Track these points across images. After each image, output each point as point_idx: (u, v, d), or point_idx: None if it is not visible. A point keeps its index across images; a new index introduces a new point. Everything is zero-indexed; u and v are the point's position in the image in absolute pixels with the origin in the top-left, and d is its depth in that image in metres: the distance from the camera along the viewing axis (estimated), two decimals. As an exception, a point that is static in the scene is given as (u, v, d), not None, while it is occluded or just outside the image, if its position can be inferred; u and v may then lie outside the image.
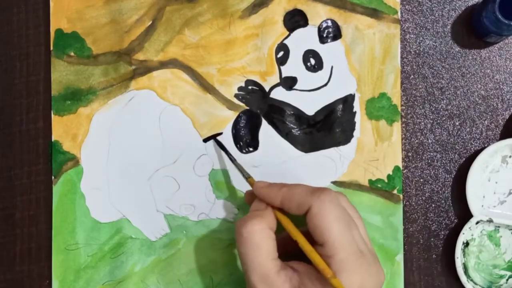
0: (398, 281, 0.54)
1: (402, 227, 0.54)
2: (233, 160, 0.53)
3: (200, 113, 0.55)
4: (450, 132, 0.55)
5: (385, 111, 0.54)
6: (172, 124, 0.55)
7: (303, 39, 0.55)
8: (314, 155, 0.55)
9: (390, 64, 0.55)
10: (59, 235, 0.54)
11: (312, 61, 0.55)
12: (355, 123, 0.55)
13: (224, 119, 0.54)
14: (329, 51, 0.55)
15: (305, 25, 0.55)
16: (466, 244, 0.54)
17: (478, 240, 0.54)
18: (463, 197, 0.53)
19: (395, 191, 0.54)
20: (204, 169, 0.54)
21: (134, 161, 0.54)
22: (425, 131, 0.55)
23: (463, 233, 0.53)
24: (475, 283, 0.53)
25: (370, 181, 0.54)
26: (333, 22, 0.55)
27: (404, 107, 0.55)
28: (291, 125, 0.55)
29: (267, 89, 0.55)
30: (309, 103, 0.55)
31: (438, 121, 0.55)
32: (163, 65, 0.55)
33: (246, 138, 0.54)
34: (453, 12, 0.55)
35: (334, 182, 0.54)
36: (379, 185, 0.54)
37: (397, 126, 0.54)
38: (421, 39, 0.55)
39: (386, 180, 0.54)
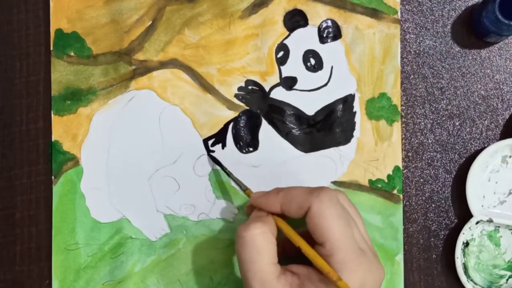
0: (398, 281, 0.54)
1: (402, 227, 0.54)
2: (229, 174, 0.53)
3: (200, 113, 0.55)
4: (450, 132, 0.55)
5: (385, 111, 0.54)
6: (172, 124, 0.55)
7: (303, 39, 0.55)
8: (314, 155, 0.55)
9: (390, 64, 0.55)
10: (59, 235, 0.54)
11: (312, 61, 0.55)
12: (355, 123, 0.55)
13: (224, 119, 0.54)
14: (329, 51, 0.55)
15: (305, 25, 0.55)
16: (466, 244, 0.54)
17: (478, 240, 0.54)
18: (463, 197, 0.53)
19: (395, 191, 0.54)
20: (204, 169, 0.54)
21: (134, 161, 0.54)
22: (425, 131, 0.55)
23: (463, 233, 0.53)
24: (475, 283, 0.53)
25: (370, 181, 0.54)
26: (333, 22, 0.55)
27: (404, 107, 0.55)
28: (291, 125, 0.55)
29: (267, 89, 0.55)
30: (309, 103, 0.55)
31: (438, 121, 0.55)
32: (163, 65, 0.55)
33: (246, 138, 0.55)
34: (453, 12, 0.55)
35: (334, 182, 0.54)
36: (379, 185, 0.54)
37: (397, 126, 0.54)
38: (421, 39, 0.55)
39: (386, 180, 0.54)
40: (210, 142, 0.54)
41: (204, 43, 0.55)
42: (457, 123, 0.55)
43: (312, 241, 0.44)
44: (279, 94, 0.55)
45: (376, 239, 0.54)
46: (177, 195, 0.54)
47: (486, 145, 0.55)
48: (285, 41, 0.55)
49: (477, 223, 0.53)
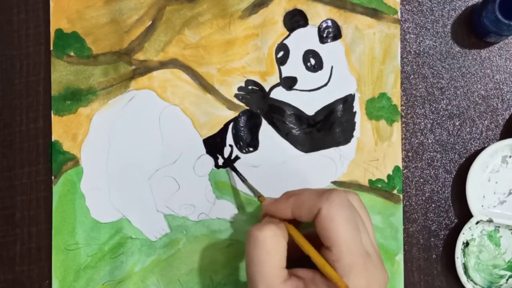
0: (398, 281, 0.54)
1: (402, 227, 0.54)
2: (243, 180, 0.53)
3: (200, 113, 0.55)
4: (450, 132, 0.55)
5: (385, 111, 0.54)
6: (172, 124, 0.55)
7: (303, 39, 0.55)
8: (314, 155, 0.55)
9: (390, 64, 0.55)
10: (59, 235, 0.54)
11: (312, 61, 0.55)
12: (355, 123, 0.55)
13: (224, 119, 0.54)
14: (329, 51, 0.55)
15: (305, 25, 0.55)
16: (466, 244, 0.54)
17: (478, 240, 0.54)
18: (463, 197, 0.53)
19: (395, 191, 0.54)
20: (204, 169, 0.54)
21: (134, 161, 0.54)
22: (425, 131, 0.55)
23: (463, 233, 0.53)
24: (475, 283, 0.53)
25: (370, 181, 0.54)
26: (333, 22, 0.55)
27: (404, 107, 0.55)
28: (291, 125, 0.55)
29: (267, 89, 0.55)
30: (309, 103, 0.55)
31: (438, 121, 0.55)
32: (163, 65, 0.55)
33: (246, 138, 0.55)
34: (453, 12, 0.55)
35: (334, 182, 0.54)
36: (379, 185, 0.54)
37: (397, 126, 0.54)
38: (421, 39, 0.55)
39: (386, 180, 0.54)
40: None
41: (204, 43, 0.55)
42: (457, 123, 0.55)
43: (319, 243, 0.44)
44: (279, 94, 0.55)
45: (376, 239, 0.53)
46: (177, 195, 0.54)
47: (486, 145, 0.55)
48: (285, 41, 0.55)
49: (477, 223, 0.53)
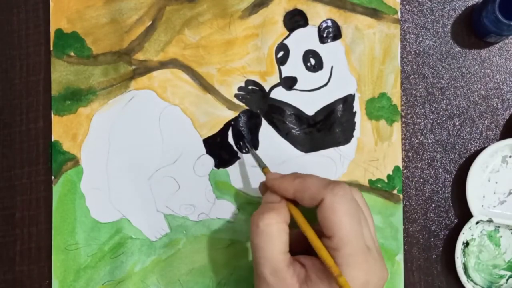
0: (398, 281, 0.54)
1: (402, 227, 0.54)
2: (250, 148, 0.53)
3: (200, 113, 0.55)
4: (450, 132, 0.55)
5: (385, 111, 0.54)
6: (172, 124, 0.55)
7: (303, 39, 0.55)
8: (314, 155, 0.55)
9: (390, 64, 0.55)
10: (59, 235, 0.54)
11: (312, 61, 0.55)
12: (355, 123, 0.55)
13: (224, 119, 0.54)
14: (329, 51, 0.55)
15: (305, 25, 0.55)
16: (466, 244, 0.54)
17: (478, 240, 0.54)
18: (463, 197, 0.53)
19: (395, 191, 0.54)
20: (204, 169, 0.54)
21: (134, 161, 0.54)
22: (425, 131, 0.55)
23: (463, 233, 0.53)
24: (475, 283, 0.53)
25: (370, 181, 0.54)
26: (333, 22, 0.55)
27: (404, 107, 0.55)
28: (291, 125, 0.55)
29: (267, 89, 0.55)
30: (309, 103, 0.55)
31: (438, 121, 0.55)
32: (163, 65, 0.55)
33: (246, 138, 0.54)
34: (453, 12, 0.55)
35: (334, 182, 0.54)
36: (379, 185, 0.54)
37: (397, 126, 0.54)
38: (421, 39, 0.55)
39: (386, 180, 0.54)
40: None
41: (204, 43, 0.55)
42: (457, 123, 0.55)
43: (321, 234, 0.44)
44: (279, 94, 0.55)
45: (376, 238, 0.54)
46: (177, 195, 0.54)
47: (486, 145, 0.55)
48: (285, 41, 0.55)
49: (477, 223, 0.53)
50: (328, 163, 0.54)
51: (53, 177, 0.54)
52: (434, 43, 0.55)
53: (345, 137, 0.55)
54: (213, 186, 0.54)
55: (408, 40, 0.55)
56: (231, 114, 0.55)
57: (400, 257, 0.54)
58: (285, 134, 0.55)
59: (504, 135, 0.55)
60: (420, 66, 0.55)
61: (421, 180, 0.55)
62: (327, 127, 0.55)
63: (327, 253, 0.42)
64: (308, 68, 0.55)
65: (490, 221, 0.53)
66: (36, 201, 0.55)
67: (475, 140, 0.55)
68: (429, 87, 0.55)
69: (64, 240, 0.54)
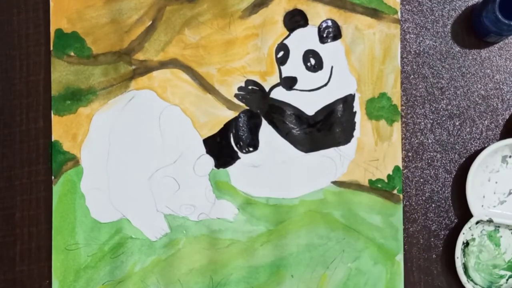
0: (398, 281, 0.54)
1: (402, 227, 0.54)
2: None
3: (200, 113, 0.55)
4: (450, 132, 0.55)
5: (385, 111, 0.54)
6: (172, 124, 0.55)
7: (303, 39, 0.55)
8: (314, 155, 0.54)
9: (390, 64, 0.55)
10: (59, 235, 0.54)
11: (312, 61, 0.55)
12: (355, 123, 0.55)
13: (224, 119, 0.54)
14: (329, 51, 0.55)
15: (305, 25, 0.55)
16: (466, 244, 0.54)
17: (478, 240, 0.54)
18: (463, 197, 0.53)
19: (395, 191, 0.54)
20: (204, 169, 0.54)
21: (134, 161, 0.54)
22: (425, 131, 0.55)
23: (463, 233, 0.53)
24: (475, 283, 0.53)
25: (370, 181, 0.54)
26: (333, 22, 0.55)
27: (404, 107, 0.55)
28: (291, 125, 0.55)
29: (267, 89, 0.55)
30: (309, 103, 0.55)
31: (438, 121, 0.55)
32: (163, 65, 0.55)
33: (246, 138, 0.54)
34: (453, 12, 0.55)
35: (334, 182, 0.54)
36: (379, 185, 0.54)
37: (397, 126, 0.54)
38: (421, 39, 0.55)
39: (386, 180, 0.54)
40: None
41: (204, 43, 0.55)
42: (457, 123, 0.55)
43: None
44: (279, 94, 0.55)
45: (376, 239, 0.54)
46: (177, 195, 0.54)
47: (486, 145, 0.55)
48: (285, 41, 0.55)
49: (477, 223, 0.53)
50: (328, 163, 0.54)
51: (53, 177, 0.54)
52: (434, 43, 0.55)
53: (345, 137, 0.55)
54: (213, 186, 0.54)
55: (408, 40, 0.55)
56: (231, 114, 0.55)
57: (400, 257, 0.54)
58: (285, 134, 0.55)
59: (504, 135, 0.55)
60: (420, 66, 0.55)
61: (421, 180, 0.55)
62: (327, 127, 0.55)
63: None
64: (308, 68, 0.55)
65: (490, 221, 0.53)
66: (36, 201, 0.55)
67: (475, 140, 0.55)
68: (429, 87, 0.55)
69: (64, 240, 0.54)
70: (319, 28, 0.55)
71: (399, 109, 0.54)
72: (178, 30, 0.55)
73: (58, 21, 0.55)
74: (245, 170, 0.54)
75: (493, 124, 0.55)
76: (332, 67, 0.55)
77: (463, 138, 0.55)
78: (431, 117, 0.55)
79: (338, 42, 0.55)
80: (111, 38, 0.55)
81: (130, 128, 0.55)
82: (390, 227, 0.54)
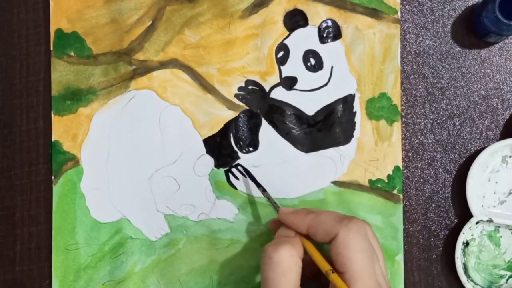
0: (398, 281, 0.54)
1: (402, 227, 0.54)
2: (262, 190, 0.52)
3: (200, 113, 0.55)
4: (450, 132, 0.55)
5: (385, 111, 0.54)
6: (172, 124, 0.55)
7: (303, 39, 0.55)
8: (314, 155, 0.54)
9: (390, 64, 0.55)
10: (59, 235, 0.54)
11: (312, 61, 0.55)
12: (355, 123, 0.55)
13: (224, 119, 0.54)
14: (329, 51, 0.55)
15: (305, 25, 0.55)
16: (466, 244, 0.54)
17: (478, 240, 0.54)
18: (463, 197, 0.53)
19: (395, 191, 0.54)
20: (204, 169, 0.54)
21: (134, 161, 0.54)
22: (425, 131, 0.55)
23: (463, 233, 0.53)
24: (475, 283, 0.53)
25: (370, 181, 0.54)
26: (333, 22, 0.55)
27: (404, 107, 0.55)
28: (291, 125, 0.55)
29: (267, 89, 0.55)
30: (309, 103, 0.55)
31: (438, 121, 0.55)
32: (163, 65, 0.55)
33: (246, 138, 0.55)
34: (453, 12, 0.55)
35: (334, 182, 0.54)
36: (379, 185, 0.54)
37: (397, 126, 0.54)
38: (421, 39, 0.55)
39: (386, 180, 0.54)
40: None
41: (204, 43, 0.55)
42: (457, 123, 0.55)
43: (333, 268, 0.43)
44: (279, 94, 0.55)
45: (376, 239, 0.54)
46: (177, 195, 0.54)
47: (486, 145, 0.55)
48: (285, 41, 0.55)
49: (477, 223, 0.53)
50: (328, 163, 0.54)
51: (53, 177, 0.54)
52: (434, 43, 0.55)
53: (345, 137, 0.55)
54: (213, 186, 0.54)
55: (408, 40, 0.55)
56: (231, 114, 0.55)
57: (400, 257, 0.54)
58: (285, 134, 0.55)
59: (504, 135, 0.55)
60: (420, 66, 0.55)
61: (421, 180, 0.55)
62: (327, 127, 0.55)
63: (344, 285, 0.42)
64: (308, 68, 0.55)
65: (490, 221, 0.53)
66: (36, 201, 0.55)
67: (475, 140, 0.55)
68: (429, 87, 0.55)
69: (64, 240, 0.54)
70: (319, 28, 0.55)
71: (399, 109, 0.54)
72: (178, 30, 0.55)
73: (58, 21, 0.55)
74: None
75: (493, 124, 0.55)
76: (332, 67, 0.55)
77: (463, 138, 0.55)
78: (431, 117, 0.55)
79: (338, 42, 0.55)
80: (111, 38, 0.55)
81: (130, 128, 0.55)
82: (390, 227, 0.54)
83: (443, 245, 0.55)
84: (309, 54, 0.55)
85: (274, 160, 0.54)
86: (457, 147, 0.55)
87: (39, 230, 0.55)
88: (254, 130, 0.55)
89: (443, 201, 0.55)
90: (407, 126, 0.55)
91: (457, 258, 0.53)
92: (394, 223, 0.54)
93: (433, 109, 0.55)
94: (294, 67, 0.55)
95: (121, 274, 0.54)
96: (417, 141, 0.55)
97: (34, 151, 0.55)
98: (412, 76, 0.55)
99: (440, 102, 0.55)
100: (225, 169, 0.54)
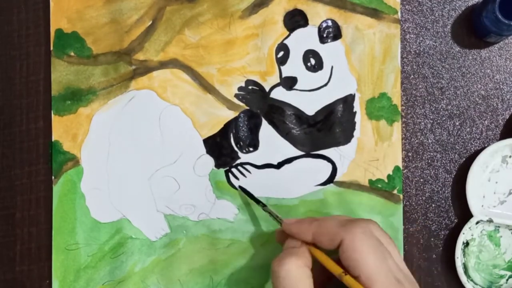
0: (398, 281, 0.54)
1: (402, 227, 0.54)
2: (263, 206, 0.52)
3: (200, 113, 0.55)
4: (450, 132, 0.55)
5: (385, 111, 0.54)
6: (172, 124, 0.55)
7: (303, 39, 0.55)
8: (314, 155, 0.54)
9: (390, 64, 0.55)
10: (59, 235, 0.54)
11: (312, 61, 0.55)
12: (355, 123, 0.55)
13: (224, 119, 0.54)
14: (329, 51, 0.55)
15: (305, 25, 0.55)
16: (466, 244, 0.54)
17: (478, 240, 0.54)
18: (463, 197, 0.53)
19: (395, 191, 0.54)
20: (204, 169, 0.54)
21: (134, 161, 0.54)
22: (425, 131, 0.55)
23: (463, 233, 0.53)
24: (475, 283, 0.53)
25: (370, 181, 0.54)
26: (333, 22, 0.55)
27: (404, 107, 0.55)
28: (291, 125, 0.55)
29: (267, 89, 0.55)
30: (309, 103, 0.55)
31: (438, 121, 0.55)
32: (163, 65, 0.55)
33: (246, 138, 0.55)
34: (453, 12, 0.55)
35: (334, 182, 0.54)
36: (379, 185, 0.54)
37: (397, 126, 0.54)
38: (421, 39, 0.55)
39: (386, 180, 0.54)
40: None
41: (204, 43, 0.55)
42: (457, 123, 0.55)
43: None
44: (279, 94, 0.55)
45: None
46: (177, 195, 0.54)
47: (486, 145, 0.55)
48: (285, 41, 0.55)
49: (477, 223, 0.53)
50: (328, 163, 0.54)
51: (53, 177, 0.54)
52: (434, 43, 0.55)
53: (345, 137, 0.55)
54: (213, 186, 0.54)
55: (408, 40, 0.55)
56: (231, 114, 0.55)
57: (400, 257, 0.54)
58: (285, 134, 0.55)
59: (504, 135, 0.55)
60: (420, 66, 0.55)
61: (421, 180, 0.55)
62: (327, 127, 0.55)
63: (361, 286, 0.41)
64: (308, 68, 0.55)
65: (490, 221, 0.53)
66: (36, 201, 0.55)
67: (475, 140, 0.55)
68: (429, 87, 0.55)
69: (64, 240, 0.54)
70: (319, 28, 0.55)
71: (399, 109, 0.54)
72: (178, 30, 0.55)
73: (58, 21, 0.55)
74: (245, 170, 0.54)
75: (493, 124, 0.55)
76: (332, 67, 0.55)
77: (463, 138, 0.55)
78: (431, 117, 0.55)
79: (338, 42, 0.55)
80: (111, 38, 0.55)
81: (130, 128, 0.55)
82: (390, 227, 0.54)
83: (443, 245, 0.55)
84: (309, 54, 0.55)
85: (274, 160, 0.54)
86: (457, 147, 0.55)
87: (39, 230, 0.55)
88: (254, 130, 0.55)
89: (443, 201, 0.55)
90: (407, 126, 0.55)
91: (457, 258, 0.53)
92: (394, 223, 0.54)
93: (433, 109, 0.55)
94: (294, 67, 0.55)
95: (121, 274, 0.54)
96: (417, 141, 0.55)
97: (34, 151, 0.55)
98: (412, 76, 0.55)
99: (440, 102, 0.55)
100: (225, 169, 0.54)
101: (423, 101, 0.55)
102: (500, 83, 0.55)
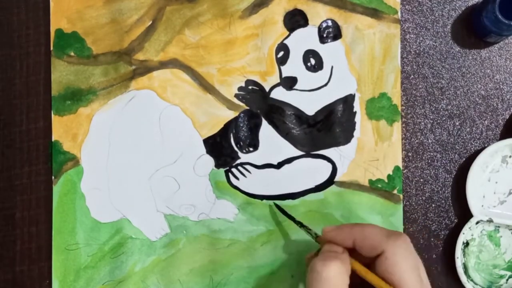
0: (398, 281, 0.54)
1: (402, 227, 0.54)
2: (298, 223, 0.51)
3: (200, 113, 0.55)
4: (450, 132, 0.55)
5: (385, 111, 0.54)
6: (172, 124, 0.55)
7: (303, 39, 0.55)
8: (314, 155, 0.54)
9: (390, 64, 0.55)
10: (59, 235, 0.54)
11: (312, 61, 0.55)
12: (355, 123, 0.55)
13: (224, 119, 0.54)
14: (329, 51, 0.55)
15: (305, 25, 0.55)
16: (466, 244, 0.54)
17: (478, 240, 0.54)
18: (463, 197, 0.53)
19: (395, 191, 0.54)
20: (204, 169, 0.54)
21: (134, 161, 0.54)
22: (425, 131, 0.55)
23: (463, 233, 0.53)
24: (475, 283, 0.53)
25: (370, 181, 0.54)
26: (333, 22, 0.55)
27: (404, 107, 0.55)
28: (291, 125, 0.55)
29: (267, 89, 0.55)
30: (309, 103, 0.55)
31: (438, 121, 0.55)
32: (163, 65, 0.55)
33: (246, 138, 0.55)
34: (453, 12, 0.55)
35: (335, 182, 0.54)
36: (379, 185, 0.54)
37: (397, 126, 0.54)
38: (421, 39, 0.55)
39: (386, 180, 0.54)
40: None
41: (204, 43, 0.55)
42: (457, 123, 0.55)
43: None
44: (279, 94, 0.55)
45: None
46: (177, 195, 0.54)
47: (486, 145, 0.55)
48: (285, 41, 0.55)
49: (477, 223, 0.53)
50: (328, 163, 0.54)
51: (53, 177, 0.54)
52: (434, 43, 0.55)
53: (345, 137, 0.55)
54: (213, 186, 0.54)
55: (408, 40, 0.55)
56: (231, 114, 0.55)
57: (400, 257, 0.54)
58: (285, 134, 0.55)
59: (504, 135, 0.55)
60: (420, 66, 0.55)
61: (421, 180, 0.55)
62: (327, 127, 0.55)
63: None
64: (308, 68, 0.55)
65: (490, 221, 0.53)
66: (36, 201, 0.55)
67: (475, 140, 0.55)
68: (429, 87, 0.55)
69: (64, 240, 0.54)
70: (319, 28, 0.55)
71: (399, 109, 0.54)
72: (178, 30, 0.55)
73: (58, 21, 0.55)
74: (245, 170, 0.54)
75: (493, 124, 0.55)
76: (332, 67, 0.55)
77: (463, 138, 0.55)
78: (431, 117, 0.55)
79: (338, 42, 0.55)
80: (111, 38, 0.55)
81: (130, 128, 0.55)
82: (390, 227, 0.54)
83: (443, 245, 0.55)
84: (309, 54, 0.55)
85: (274, 160, 0.54)
86: (457, 147, 0.55)
87: (39, 230, 0.55)
88: (254, 130, 0.55)
89: (443, 201, 0.55)
90: (407, 126, 0.55)
91: (457, 258, 0.53)
92: (394, 223, 0.54)
93: (433, 109, 0.55)
94: (294, 67, 0.55)
95: (121, 274, 0.54)
96: (417, 141, 0.55)
97: (34, 151, 0.55)
98: (412, 76, 0.55)
99: (440, 102, 0.55)
100: (225, 169, 0.54)
101: (423, 101, 0.55)
102: (500, 83, 0.55)
